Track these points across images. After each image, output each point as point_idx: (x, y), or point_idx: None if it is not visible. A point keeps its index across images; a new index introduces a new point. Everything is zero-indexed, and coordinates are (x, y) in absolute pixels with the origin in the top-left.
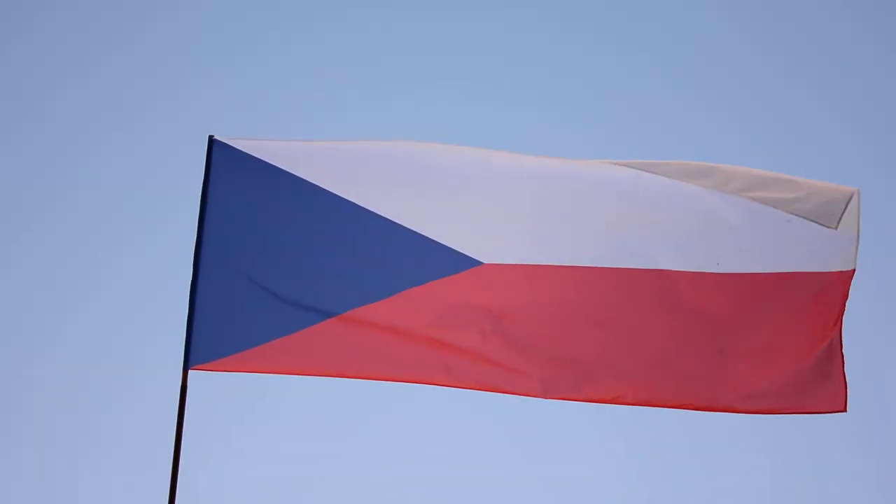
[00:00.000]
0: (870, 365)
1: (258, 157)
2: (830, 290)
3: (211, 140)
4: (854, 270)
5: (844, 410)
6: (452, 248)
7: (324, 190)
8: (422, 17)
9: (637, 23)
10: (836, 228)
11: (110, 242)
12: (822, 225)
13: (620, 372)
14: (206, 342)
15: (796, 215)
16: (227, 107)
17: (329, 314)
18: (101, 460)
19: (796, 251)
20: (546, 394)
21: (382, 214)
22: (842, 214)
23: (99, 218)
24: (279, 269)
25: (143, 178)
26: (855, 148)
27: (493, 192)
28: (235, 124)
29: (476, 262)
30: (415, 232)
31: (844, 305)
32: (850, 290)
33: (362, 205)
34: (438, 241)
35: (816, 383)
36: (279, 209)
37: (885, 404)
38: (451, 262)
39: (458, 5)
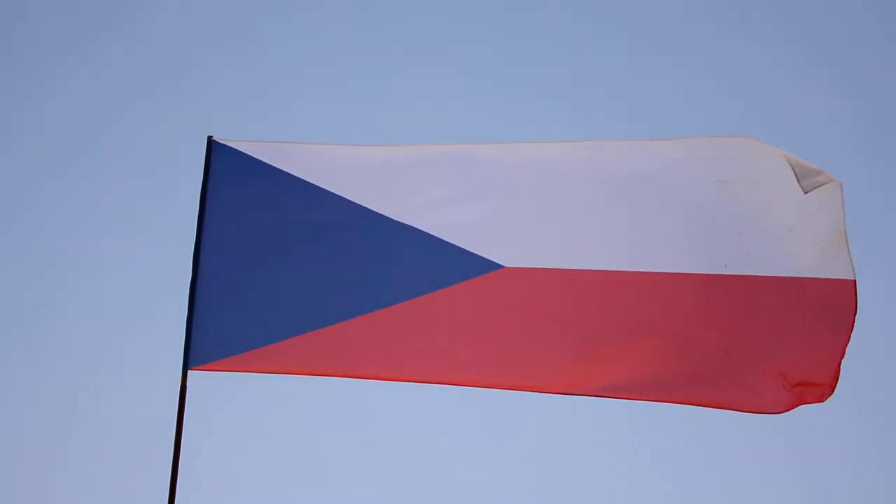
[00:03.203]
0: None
1: (258, 157)
2: (836, 297)
3: (210, 141)
4: (855, 281)
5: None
6: (472, 251)
7: (326, 191)
8: (424, 14)
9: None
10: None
11: (109, 243)
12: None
13: (637, 371)
14: (206, 343)
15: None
16: (226, 108)
17: (338, 318)
18: (100, 461)
19: (798, 256)
20: (564, 390)
21: (392, 217)
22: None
23: (97, 218)
24: (281, 270)
25: (142, 178)
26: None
27: (510, 192)
28: (234, 126)
29: (497, 266)
30: (431, 235)
31: (853, 320)
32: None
33: (370, 207)
34: (458, 244)
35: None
36: (279, 210)
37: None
38: (471, 265)
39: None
